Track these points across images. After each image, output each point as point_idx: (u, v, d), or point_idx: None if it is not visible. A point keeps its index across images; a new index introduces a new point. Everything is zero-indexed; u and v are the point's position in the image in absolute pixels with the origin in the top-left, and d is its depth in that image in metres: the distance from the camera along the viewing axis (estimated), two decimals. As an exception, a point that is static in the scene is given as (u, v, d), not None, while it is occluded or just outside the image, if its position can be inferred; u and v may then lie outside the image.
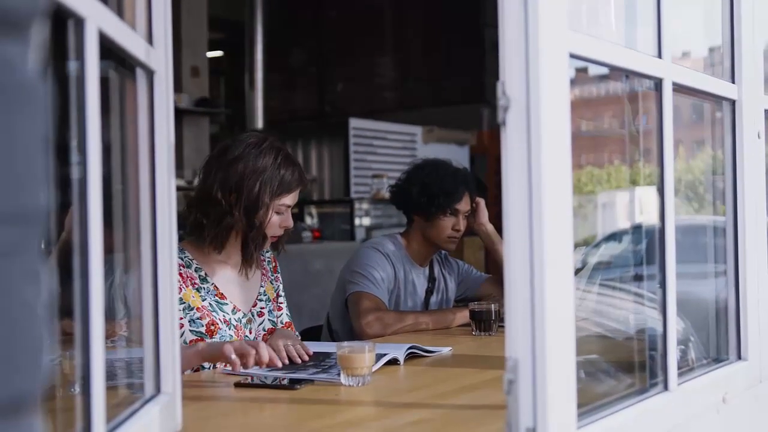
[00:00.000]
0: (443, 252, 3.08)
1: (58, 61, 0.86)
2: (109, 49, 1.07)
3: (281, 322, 2.41)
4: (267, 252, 2.43)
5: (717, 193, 1.91)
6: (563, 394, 1.14)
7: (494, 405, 1.59)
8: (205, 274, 2.25)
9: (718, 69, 1.83)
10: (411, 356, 2.14)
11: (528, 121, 1.11)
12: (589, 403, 1.27)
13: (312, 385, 1.83)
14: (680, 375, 1.51)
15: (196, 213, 2.22)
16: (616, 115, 1.87)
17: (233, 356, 1.89)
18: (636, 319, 1.81)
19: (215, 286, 2.25)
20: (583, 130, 1.59)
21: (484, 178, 6.56)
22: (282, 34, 9.04)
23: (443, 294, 3.06)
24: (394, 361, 2.06)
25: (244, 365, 1.90)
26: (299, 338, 2.42)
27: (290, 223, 2.29)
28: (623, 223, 2.31)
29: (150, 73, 1.28)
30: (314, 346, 2.18)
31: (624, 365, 1.65)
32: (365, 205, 6.96)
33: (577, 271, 1.86)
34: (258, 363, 1.91)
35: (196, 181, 2.75)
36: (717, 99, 1.79)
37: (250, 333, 2.29)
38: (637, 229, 1.89)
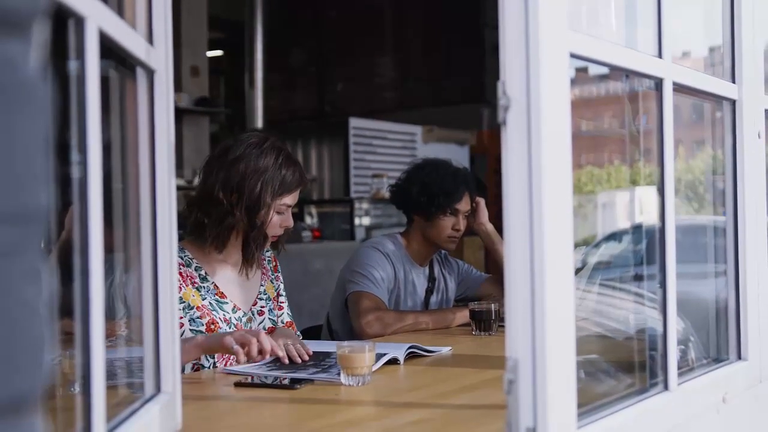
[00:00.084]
0: (443, 252, 3.08)
1: (58, 60, 0.86)
2: (110, 49, 1.07)
3: (282, 322, 2.42)
4: (267, 251, 2.43)
5: (717, 193, 1.91)
6: (563, 393, 1.14)
7: (494, 405, 1.59)
8: (205, 273, 2.25)
9: (718, 69, 1.84)
10: (411, 356, 2.14)
11: (528, 121, 1.11)
12: (589, 403, 1.27)
13: (312, 385, 1.83)
14: (680, 375, 1.51)
15: (197, 213, 2.23)
16: (617, 115, 1.87)
17: (235, 346, 1.90)
18: (636, 319, 1.81)
19: (215, 285, 2.25)
20: (584, 129, 1.59)
21: (484, 178, 6.56)
22: (282, 34, 9.04)
23: (443, 294, 3.06)
24: (394, 361, 2.06)
25: (248, 354, 1.91)
26: (300, 337, 2.42)
27: (291, 222, 2.29)
28: (623, 223, 2.31)
29: (150, 73, 1.28)
30: (314, 346, 2.18)
31: (624, 365, 1.65)
32: (365, 205, 6.96)
33: (577, 271, 1.86)
34: (260, 351, 1.92)
35: (196, 181, 2.75)
36: (717, 99, 1.79)
37: (250, 332, 2.29)
38: (637, 229, 1.89)
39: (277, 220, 2.26)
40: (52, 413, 0.81)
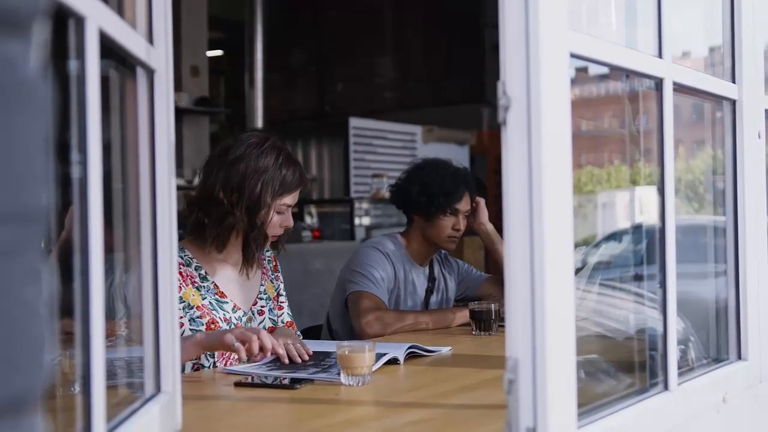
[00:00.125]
0: (443, 251, 3.08)
1: (58, 60, 0.86)
2: (110, 48, 1.07)
3: (282, 322, 2.42)
4: (267, 251, 2.43)
5: (717, 193, 1.91)
6: (563, 393, 1.14)
7: (494, 405, 1.59)
8: (205, 272, 2.25)
9: (718, 69, 1.83)
10: (411, 356, 2.14)
11: (528, 121, 1.11)
12: (589, 403, 1.27)
13: (312, 385, 1.83)
14: (680, 375, 1.51)
15: (198, 212, 2.23)
16: (617, 115, 1.87)
17: (236, 343, 1.91)
18: (636, 318, 1.81)
19: (215, 284, 2.25)
20: (584, 129, 1.59)
21: (484, 178, 6.56)
22: (282, 34, 9.04)
23: (443, 294, 3.06)
24: (394, 361, 2.06)
25: (248, 351, 1.92)
26: (300, 337, 2.42)
27: (290, 222, 2.29)
28: (623, 223, 2.32)
29: (150, 72, 1.28)
30: (314, 346, 2.18)
31: (624, 365, 1.65)
32: (365, 205, 6.96)
33: (577, 271, 1.86)
34: (261, 348, 1.92)
35: (196, 181, 2.75)
36: (717, 99, 1.79)
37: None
38: (637, 228, 1.89)
39: (277, 220, 2.26)
40: (52, 413, 0.81)
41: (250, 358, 1.99)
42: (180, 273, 2.17)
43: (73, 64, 0.94)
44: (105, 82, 1.08)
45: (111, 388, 1.02)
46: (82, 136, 0.94)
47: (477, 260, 5.55)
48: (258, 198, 2.20)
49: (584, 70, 1.38)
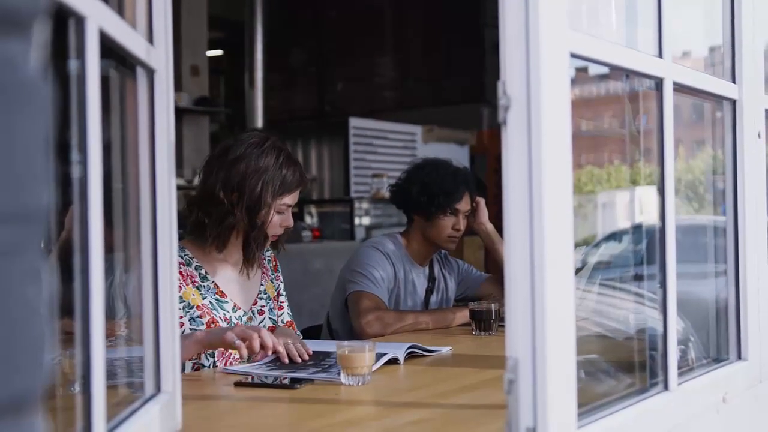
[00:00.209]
0: (443, 251, 3.08)
1: (58, 60, 0.86)
2: (110, 48, 1.07)
3: (282, 321, 2.42)
4: (267, 251, 2.43)
5: (717, 193, 1.91)
6: (563, 393, 1.14)
7: (494, 405, 1.59)
8: (206, 272, 2.25)
9: (718, 69, 1.84)
10: (411, 356, 2.14)
11: (528, 121, 1.11)
12: (589, 403, 1.27)
13: (312, 385, 1.83)
14: (680, 375, 1.51)
15: (198, 212, 2.23)
16: (617, 115, 1.87)
17: (237, 341, 1.91)
18: (636, 318, 1.81)
19: (215, 284, 2.25)
20: (584, 129, 1.59)
21: (484, 178, 6.56)
22: (282, 34, 9.04)
23: (443, 293, 3.06)
24: (394, 361, 2.06)
25: (250, 348, 1.92)
26: (300, 337, 2.42)
27: (290, 222, 2.29)
28: (623, 223, 2.32)
29: (150, 72, 1.28)
30: (314, 345, 2.18)
31: (624, 365, 1.65)
32: (365, 205, 6.96)
33: (577, 271, 1.86)
34: (262, 345, 1.93)
35: (196, 181, 2.75)
36: (717, 99, 1.79)
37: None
38: (637, 228, 1.89)
39: (278, 220, 2.26)
40: (52, 413, 0.81)
41: (251, 356, 2.00)
42: (180, 272, 2.18)
43: (73, 64, 0.94)
44: (105, 81, 1.08)
45: (111, 387, 1.02)
46: (83, 136, 0.94)
47: (477, 260, 5.55)
48: (258, 198, 2.20)
49: (584, 69, 1.38)
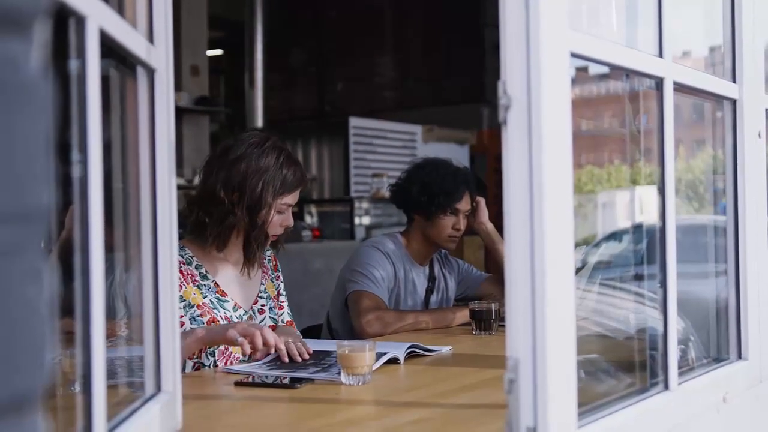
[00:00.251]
0: (443, 251, 3.08)
1: (59, 59, 0.86)
2: (110, 48, 1.07)
3: (282, 321, 2.42)
4: (267, 251, 2.43)
5: (718, 192, 1.91)
6: (564, 393, 1.14)
7: (494, 404, 1.59)
8: (206, 271, 2.25)
9: (719, 68, 1.84)
10: (411, 355, 2.14)
11: (529, 120, 1.11)
12: (589, 403, 1.27)
13: (312, 384, 1.83)
14: (681, 374, 1.51)
15: (198, 212, 2.23)
16: (617, 115, 1.87)
17: (240, 338, 1.92)
18: (636, 318, 1.81)
19: (216, 283, 2.25)
20: (584, 129, 1.59)
21: (484, 178, 6.56)
22: (282, 34, 9.04)
23: (443, 293, 3.06)
24: (394, 360, 2.06)
25: (253, 345, 1.93)
26: (300, 337, 2.42)
27: (291, 221, 2.30)
28: (623, 223, 2.31)
29: (151, 72, 1.28)
30: (314, 345, 2.18)
31: (624, 365, 1.65)
32: (365, 204, 6.96)
33: (578, 271, 1.86)
34: (264, 343, 1.93)
35: (196, 180, 2.75)
36: (718, 98, 1.79)
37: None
38: (637, 228, 1.89)
39: (278, 220, 2.26)
40: (52, 412, 0.81)
41: (251, 356, 2.00)
42: (181, 272, 2.18)
43: (73, 64, 0.94)
44: (105, 81, 1.08)
45: (111, 387, 1.02)
46: (83, 136, 0.94)
47: (477, 260, 5.55)
48: (259, 197, 2.20)
49: (584, 69, 1.38)
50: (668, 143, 1.48)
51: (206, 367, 2.16)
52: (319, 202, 7.27)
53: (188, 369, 2.13)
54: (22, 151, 0.65)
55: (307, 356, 2.06)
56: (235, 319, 2.25)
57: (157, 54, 1.29)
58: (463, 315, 2.75)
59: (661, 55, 1.47)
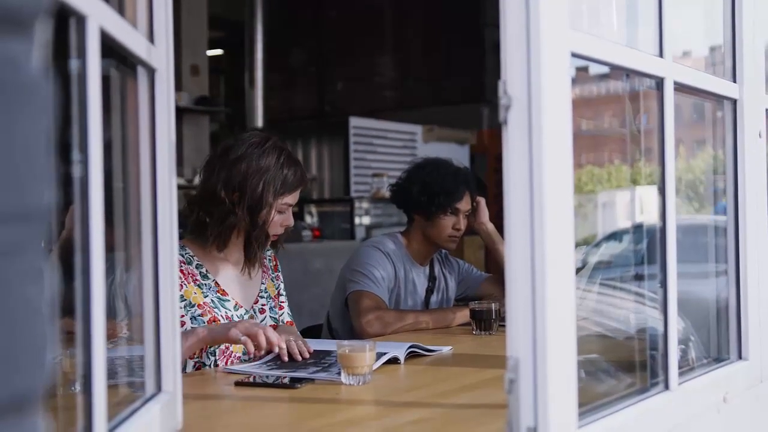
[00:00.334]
0: (443, 251, 3.08)
1: (59, 59, 0.86)
2: (111, 47, 1.07)
3: (282, 321, 2.42)
4: (268, 250, 2.43)
5: (718, 192, 1.91)
6: (564, 393, 1.14)
7: (494, 404, 1.59)
8: (206, 270, 2.25)
9: (719, 68, 1.83)
10: (411, 355, 2.14)
11: (529, 120, 1.11)
12: (589, 403, 1.27)
13: (312, 384, 1.83)
14: (681, 374, 1.51)
15: (199, 212, 2.23)
16: (617, 114, 1.87)
17: (243, 337, 1.93)
18: (637, 318, 1.81)
19: (216, 283, 2.26)
20: (584, 129, 1.59)
21: (484, 178, 6.56)
22: (282, 34, 9.04)
23: (443, 293, 3.06)
24: (394, 360, 2.06)
25: (257, 344, 1.94)
26: (301, 336, 2.42)
27: (291, 221, 2.30)
28: (624, 223, 2.31)
29: (151, 71, 1.28)
30: (314, 344, 2.18)
31: (625, 365, 1.65)
32: (365, 204, 6.96)
33: (578, 271, 1.86)
34: (268, 342, 1.94)
35: (196, 180, 2.76)
36: (718, 98, 1.79)
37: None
38: (637, 228, 1.89)
39: (278, 220, 2.26)
40: (53, 412, 0.81)
41: (252, 355, 2.00)
42: (181, 271, 2.18)
43: (74, 63, 0.94)
44: (106, 81, 1.08)
45: (112, 387, 1.02)
46: (83, 136, 0.94)
47: (477, 260, 5.55)
48: (260, 197, 2.20)
49: (585, 69, 1.38)
50: (668, 143, 1.48)
51: (207, 367, 2.16)
52: (319, 202, 7.27)
53: (189, 368, 2.13)
54: (23, 151, 0.65)
55: (307, 355, 2.06)
56: (236, 319, 2.25)
57: (158, 54, 1.29)
58: (463, 315, 2.75)
59: (661, 54, 1.47)
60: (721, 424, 1.67)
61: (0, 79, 0.63)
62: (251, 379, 1.87)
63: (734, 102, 1.79)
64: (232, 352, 2.19)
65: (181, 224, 1.90)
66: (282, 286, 2.47)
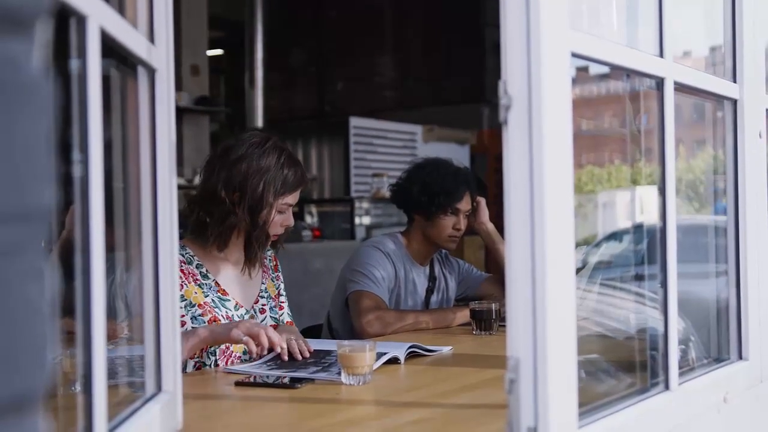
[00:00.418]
0: (444, 251, 3.08)
1: (60, 59, 0.86)
2: (111, 47, 1.07)
3: (282, 321, 2.42)
4: (268, 250, 2.43)
5: (718, 192, 1.91)
6: (564, 393, 1.14)
7: (495, 404, 1.59)
8: (207, 270, 2.25)
9: (719, 68, 1.83)
10: (411, 355, 2.14)
11: (529, 120, 1.11)
12: (590, 403, 1.27)
13: (312, 384, 1.83)
14: (681, 375, 1.51)
15: (199, 212, 2.23)
16: (617, 114, 1.87)
17: (245, 337, 1.93)
18: (637, 318, 1.81)
19: (217, 282, 2.26)
20: (584, 129, 1.59)
21: (484, 178, 6.56)
22: (282, 34, 9.04)
23: (444, 293, 3.06)
24: (394, 360, 2.06)
25: (258, 344, 1.94)
26: (301, 336, 2.42)
27: (291, 221, 2.30)
28: (624, 223, 2.31)
29: (151, 71, 1.28)
30: (314, 344, 2.18)
31: (625, 365, 1.65)
32: (365, 204, 6.96)
33: (578, 271, 1.86)
34: (270, 342, 1.95)
35: (196, 180, 2.76)
36: (718, 98, 1.79)
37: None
38: (637, 228, 1.89)
39: (279, 220, 2.26)
40: (53, 412, 0.81)
41: (252, 355, 2.01)
42: (182, 271, 2.18)
43: (74, 63, 0.94)
44: (106, 81, 1.08)
45: (112, 387, 1.02)
46: (84, 135, 0.94)
47: (477, 260, 5.55)
48: (260, 197, 2.20)
49: (585, 69, 1.38)
50: (669, 143, 1.48)
51: (207, 367, 2.16)
52: (320, 202, 7.27)
53: (189, 368, 2.13)
54: (23, 151, 0.65)
55: (308, 354, 2.06)
56: (236, 318, 2.25)
57: (158, 54, 1.29)
58: (463, 315, 2.75)
59: (661, 55, 1.47)
60: (721, 425, 1.67)
61: (0, 79, 0.63)
62: (251, 379, 1.87)
63: (734, 102, 1.79)
64: (232, 352, 2.19)
65: (182, 224, 1.90)
66: (282, 286, 2.47)
